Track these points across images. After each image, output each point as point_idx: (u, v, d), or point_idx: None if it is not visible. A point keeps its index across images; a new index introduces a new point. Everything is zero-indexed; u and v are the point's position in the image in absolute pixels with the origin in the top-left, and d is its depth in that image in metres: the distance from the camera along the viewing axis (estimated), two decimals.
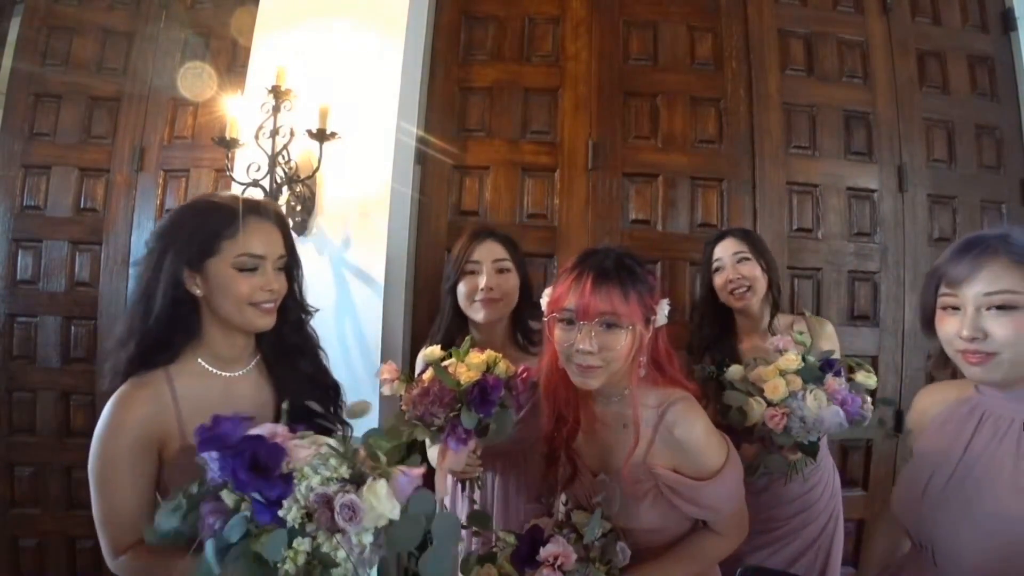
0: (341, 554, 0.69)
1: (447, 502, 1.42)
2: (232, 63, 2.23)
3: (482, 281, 1.38)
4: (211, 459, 0.72)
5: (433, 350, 1.19)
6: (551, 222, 2.14)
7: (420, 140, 2.12)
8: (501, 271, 1.41)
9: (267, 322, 1.02)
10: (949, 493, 0.89)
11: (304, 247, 1.96)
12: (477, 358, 1.12)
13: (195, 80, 2.17)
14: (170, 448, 0.94)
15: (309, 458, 0.73)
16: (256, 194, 1.87)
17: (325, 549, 0.69)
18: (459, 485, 1.35)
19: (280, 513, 0.69)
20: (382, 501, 0.71)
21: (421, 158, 2.13)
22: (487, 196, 2.15)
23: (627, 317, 0.95)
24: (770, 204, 2.15)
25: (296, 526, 0.69)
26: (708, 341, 1.68)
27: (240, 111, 1.91)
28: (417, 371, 1.32)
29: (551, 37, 2.23)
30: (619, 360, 0.96)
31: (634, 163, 2.16)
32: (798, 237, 2.16)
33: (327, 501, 0.70)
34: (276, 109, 1.88)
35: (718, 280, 1.64)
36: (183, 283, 0.96)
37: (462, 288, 1.41)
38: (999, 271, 0.82)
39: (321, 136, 1.86)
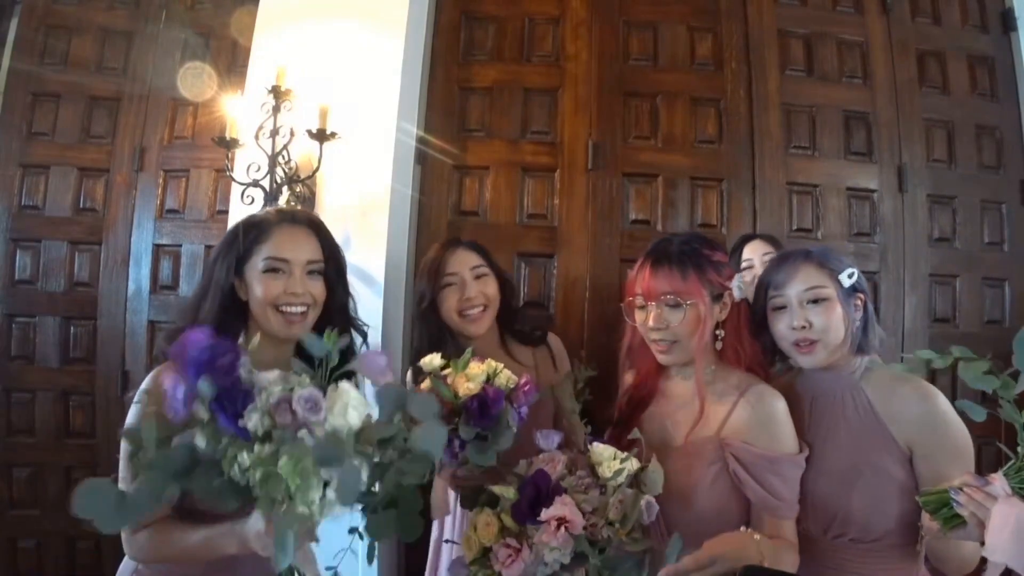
0: (307, 461, 0.66)
1: (448, 520, 1.40)
2: (232, 63, 2.23)
3: (467, 292, 1.36)
4: (173, 390, 0.70)
5: (432, 358, 1.12)
6: (551, 222, 2.14)
7: (420, 140, 2.11)
8: (479, 277, 1.39)
9: (293, 331, 1.00)
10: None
11: None
12: (477, 368, 1.07)
13: (195, 80, 2.16)
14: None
15: (275, 381, 0.73)
16: (256, 194, 1.88)
17: (288, 450, 0.66)
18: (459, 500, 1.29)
19: (241, 423, 0.68)
20: (346, 393, 0.71)
21: (421, 158, 2.13)
22: (487, 196, 2.15)
23: (687, 295, 1.01)
24: (770, 204, 2.15)
25: (259, 434, 0.68)
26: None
27: (240, 111, 1.91)
28: (408, 384, 1.29)
29: (551, 37, 2.23)
30: (687, 336, 1.02)
31: (634, 163, 2.16)
32: (798, 237, 2.16)
33: (287, 401, 0.69)
34: (276, 109, 1.88)
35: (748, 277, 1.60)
36: (232, 289, 1.01)
37: (447, 303, 1.37)
38: (810, 272, 1.08)
39: (321, 136, 1.86)
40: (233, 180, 1.90)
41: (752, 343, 1.08)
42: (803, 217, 2.17)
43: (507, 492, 0.91)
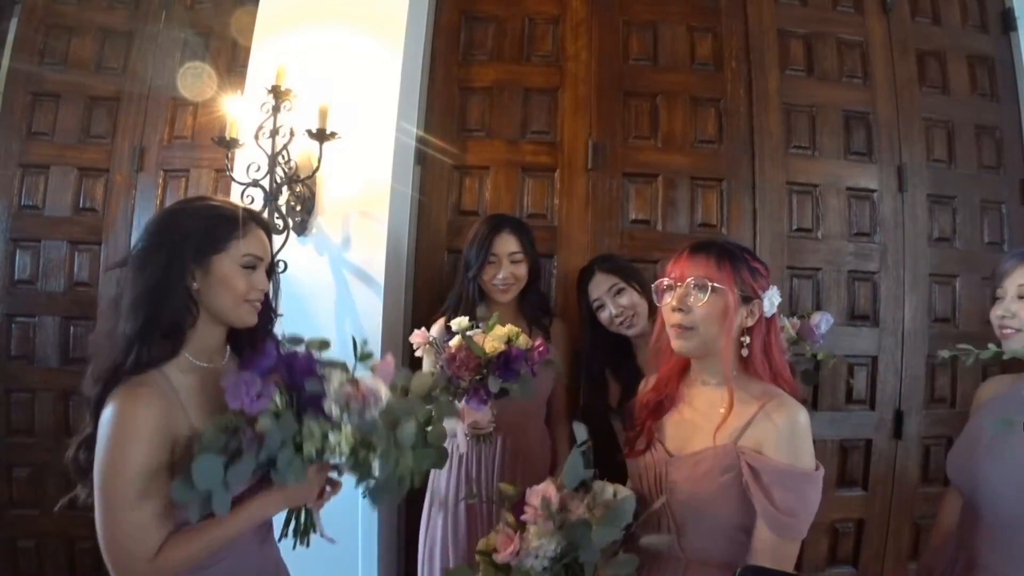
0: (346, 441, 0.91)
1: (461, 460, 1.68)
2: (232, 63, 2.23)
3: (501, 273, 1.70)
4: (244, 392, 0.88)
5: (461, 320, 1.43)
6: (551, 222, 2.14)
7: (420, 140, 2.11)
8: (515, 262, 1.71)
9: (254, 318, 1.09)
10: (995, 446, 1.11)
11: (304, 247, 1.95)
12: (501, 331, 1.37)
13: (195, 80, 2.16)
14: (181, 442, 0.94)
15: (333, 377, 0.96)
16: (256, 194, 1.87)
17: (350, 432, 0.91)
18: (474, 440, 1.59)
19: (324, 407, 0.91)
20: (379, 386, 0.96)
21: (421, 158, 2.13)
22: (487, 196, 2.15)
23: (718, 280, 1.01)
24: (770, 204, 2.15)
25: (335, 415, 0.91)
26: None
27: (240, 111, 1.90)
28: (429, 337, 1.57)
29: (551, 37, 2.23)
30: (711, 322, 1.01)
31: (634, 163, 2.16)
32: (798, 237, 2.16)
33: (356, 390, 0.93)
34: (276, 109, 1.88)
35: (604, 316, 1.75)
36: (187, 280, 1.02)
37: (487, 275, 1.71)
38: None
39: (321, 136, 1.86)
40: (233, 180, 1.90)
41: (781, 359, 1.06)
42: (803, 217, 2.17)
43: (509, 489, 1.06)
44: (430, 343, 1.56)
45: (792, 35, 2.25)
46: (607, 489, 0.98)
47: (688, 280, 1.03)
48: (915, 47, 2.27)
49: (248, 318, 1.07)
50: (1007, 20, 2.31)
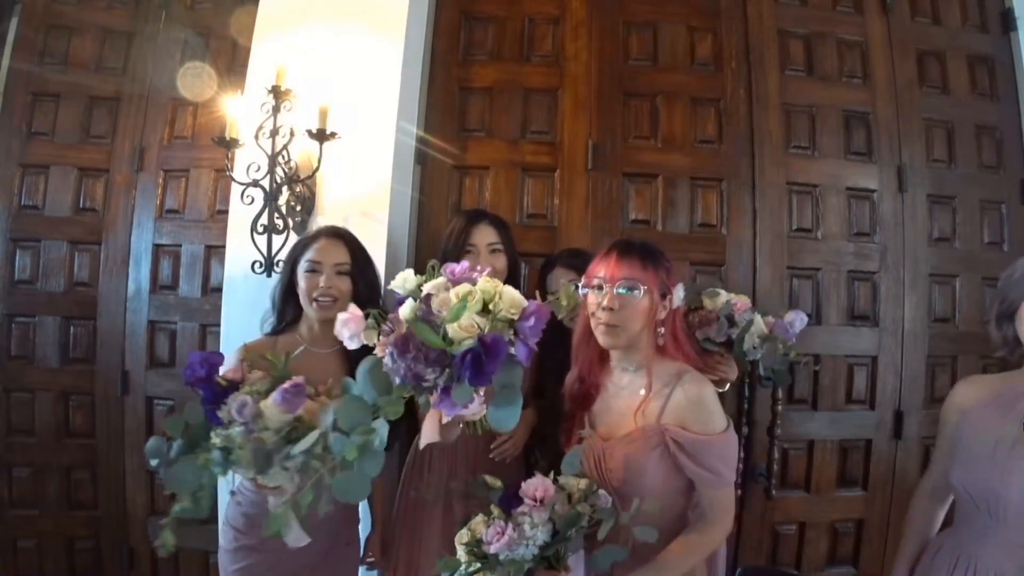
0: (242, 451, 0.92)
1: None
2: (232, 63, 2.23)
3: (479, 264, 1.47)
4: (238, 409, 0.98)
5: (406, 276, 0.98)
6: (551, 222, 2.14)
7: (420, 140, 2.11)
8: (493, 252, 1.65)
9: (324, 315, 1.40)
10: (1015, 456, 1.08)
11: None
12: (464, 291, 0.86)
13: (195, 80, 2.16)
14: None
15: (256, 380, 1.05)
16: (256, 194, 1.88)
17: (236, 436, 0.93)
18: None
19: (219, 414, 0.97)
20: (269, 407, 0.95)
21: (421, 158, 2.13)
22: (487, 196, 2.15)
23: (644, 282, 1.14)
24: (770, 204, 2.15)
25: (227, 422, 0.96)
26: None
27: (240, 111, 1.90)
28: (364, 320, 1.02)
29: (551, 37, 2.23)
30: (636, 319, 1.14)
31: (634, 163, 2.16)
32: (798, 237, 2.16)
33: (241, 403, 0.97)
34: (276, 109, 1.88)
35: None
36: (291, 283, 1.48)
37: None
38: None
39: (321, 136, 1.86)
40: (233, 180, 1.90)
41: (685, 340, 1.22)
42: (803, 217, 2.17)
43: (496, 483, 1.13)
44: (367, 327, 1.01)
45: (792, 35, 2.25)
46: (580, 483, 1.11)
47: (619, 282, 1.14)
48: (915, 47, 2.27)
49: (317, 314, 1.44)
50: (1007, 20, 2.31)
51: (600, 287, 1.17)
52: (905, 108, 2.23)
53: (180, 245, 2.21)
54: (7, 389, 2.21)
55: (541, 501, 1.05)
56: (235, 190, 1.91)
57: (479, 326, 0.85)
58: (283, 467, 0.90)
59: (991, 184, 2.24)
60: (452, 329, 0.84)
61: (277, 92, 1.87)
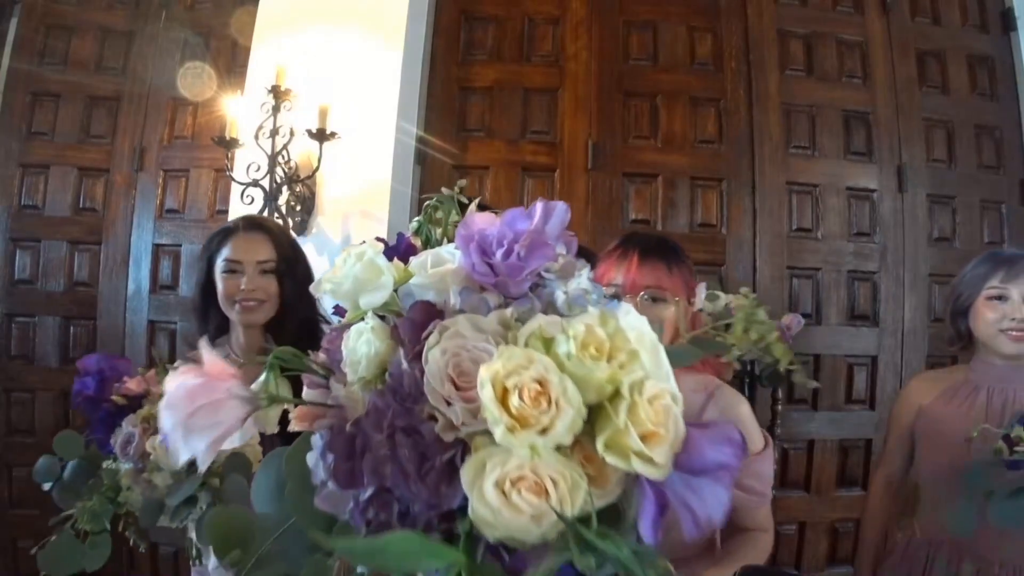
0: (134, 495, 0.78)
1: None
2: (232, 63, 2.23)
3: None
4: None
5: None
6: None
7: (420, 140, 2.11)
8: None
9: (249, 318, 1.17)
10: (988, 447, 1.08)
11: (304, 247, 1.95)
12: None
13: (195, 80, 2.16)
14: None
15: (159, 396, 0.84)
16: (256, 194, 1.88)
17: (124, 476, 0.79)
18: None
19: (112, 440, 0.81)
20: (160, 448, 0.76)
21: (421, 158, 2.13)
22: (487, 196, 2.14)
23: (672, 291, 0.97)
24: (770, 204, 2.15)
25: (118, 451, 0.80)
26: None
27: (240, 111, 1.91)
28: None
29: (551, 37, 2.23)
30: (665, 333, 0.95)
31: (634, 163, 2.16)
32: (798, 237, 2.16)
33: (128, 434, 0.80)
34: (276, 109, 1.88)
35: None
36: (209, 285, 1.21)
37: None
38: None
39: (321, 136, 1.86)
40: (233, 180, 1.90)
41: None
42: (803, 217, 2.17)
43: None
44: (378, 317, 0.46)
45: (792, 35, 2.25)
46: None
47: (642, 291, 0.96)
48: (915, 47, 2.27)
49: (239, 318, 1.17)
50: (1007, 20, 2.30)
51: (616, 296, 1.03)
52: (905, 108, 2.23)
53: (180, 245, 2.21)
54: (7, 389, 2.21)
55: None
56: (235, 190, 1.92)
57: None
58: (176, 520, 0.76)
59: (991, 184, 2.24)
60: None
61: (277, 92, 1.87)
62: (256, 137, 1.89)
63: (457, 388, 0.27)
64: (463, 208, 0.61)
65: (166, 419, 0.33)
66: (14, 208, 2.24)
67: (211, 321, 1.23)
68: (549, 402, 0.26)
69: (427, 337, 0.27)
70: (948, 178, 2.23)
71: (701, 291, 1.04)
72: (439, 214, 0.49)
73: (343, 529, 0.30)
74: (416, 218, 0.62)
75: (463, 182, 0.60)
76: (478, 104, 2.20)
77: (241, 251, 1.20)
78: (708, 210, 2.16)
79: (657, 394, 0.28)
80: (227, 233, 1.24)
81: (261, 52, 2.05)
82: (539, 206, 0.34)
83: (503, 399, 0.25)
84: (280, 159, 1.89)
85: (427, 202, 0.62)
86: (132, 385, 0.84)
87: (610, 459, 0.27)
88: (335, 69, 1.98)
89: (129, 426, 0.79)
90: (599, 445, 0.27)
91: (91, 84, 2.28)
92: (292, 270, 1.22)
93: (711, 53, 2.23)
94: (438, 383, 0.26)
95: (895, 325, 2.15)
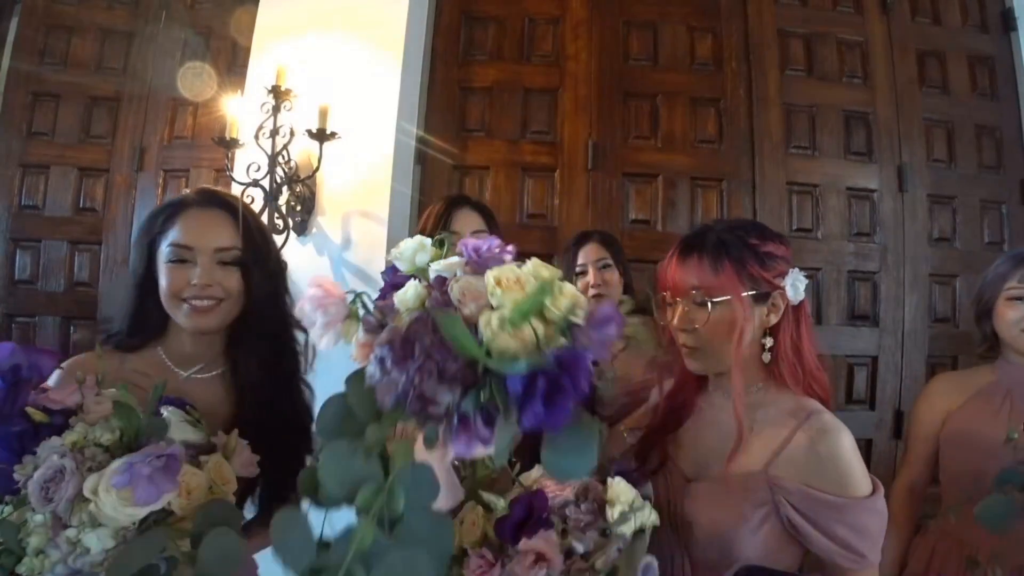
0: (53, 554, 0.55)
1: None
2: (232, 63, 2.23)
3: None
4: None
5: (415, 244, 0.58)
6: (551, 222, 2.14)
7: (420, 140, 2.11)
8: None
9: (199, 323, 0.89)
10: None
11: (304, 247, 1.95)
12: (522, 276, 0.49)
13: (195, 80, 2.16)
14: None
15: (102, 416, 0.61)
16: (256, 194, 1.87)
17: (34, 530, 0.54)
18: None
19: (16, 471, 0.56)
20: (106, 494, 0.53)
21: (421, 158, 2.13)
22: (487, 196, 2.14)
23: (719, 290, 0.82)
24: (770, 204, 2.15)
25: (30, 493, 0.56)
26: None
27: (240, 111, 1.91)
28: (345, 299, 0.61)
29: (551, 37, 2.23)
30: (714, 341, 0.83)
31: (634, 163, 2.16)
32: (798, 237, 2.16)
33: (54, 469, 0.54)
34: (276, 109, 1.88)
35: (580, 284, 1.58)
36: (148, 276, 0.92)
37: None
38: None
39: (321, 136, 1.86)
40: (233, 180, 1.90)
41: (813, 358, 0.87)
42: (803, 217, 2.17)
43: (498, 504, 0.71)
44: (348, 317, 0.57)
45: (792, 35, 2.25)
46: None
47: (686, 294, 0.85)
48: (915, 47, 2.27)
49: (187, 321, 0.90)
50: (1007, 20, 2.31)
51: (671, 304, 0.87)
52: (905, 108, 2.23)
53: None
54: None
55: (541, 564, 0.63)
56: (235, 190, 1.91)
57: (537, 334, 0.47)
58: None
59: (991, 184, 2.24)
60: (501, 336, 0.46)
61: (277, 92, 1.87)
62: (256, 137, 1.89)
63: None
64: None
65: (308, 306, 0.51)
66: (14, 208, 2.25)
67: (148, 323, 0.94)
68: (519, 284, 0.48)
69: (449, 286, 0.52)
70: (948, 178, 2.23)
71: (794, 280, 0.85)
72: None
73: (391, 416, 0.46)
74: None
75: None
76: (478, 104, 2.20)
77: (194, 234, 0.90)
78: (708, 210, 2.15)
79: (572, 299, 0.50)
80: (176, 208, 0.93)
81: (261, 52, 2.05)
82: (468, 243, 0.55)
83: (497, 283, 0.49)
84: (280, 159, 1.89)
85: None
86: (59, 395, 0.61)
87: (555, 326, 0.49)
88: (335, 69, 1.98)
89: (56, 456, 0.54)
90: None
91: (91, 84, 2.28)
92: (261, 262, 0.94)
93: (711, 53, 2.23)
94: (458, 297, 0.51)
95: (895, 325, 2.15)
